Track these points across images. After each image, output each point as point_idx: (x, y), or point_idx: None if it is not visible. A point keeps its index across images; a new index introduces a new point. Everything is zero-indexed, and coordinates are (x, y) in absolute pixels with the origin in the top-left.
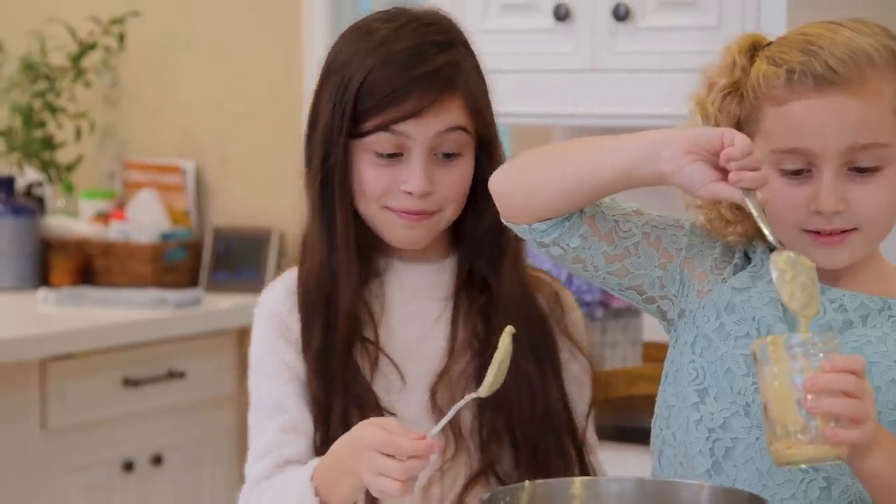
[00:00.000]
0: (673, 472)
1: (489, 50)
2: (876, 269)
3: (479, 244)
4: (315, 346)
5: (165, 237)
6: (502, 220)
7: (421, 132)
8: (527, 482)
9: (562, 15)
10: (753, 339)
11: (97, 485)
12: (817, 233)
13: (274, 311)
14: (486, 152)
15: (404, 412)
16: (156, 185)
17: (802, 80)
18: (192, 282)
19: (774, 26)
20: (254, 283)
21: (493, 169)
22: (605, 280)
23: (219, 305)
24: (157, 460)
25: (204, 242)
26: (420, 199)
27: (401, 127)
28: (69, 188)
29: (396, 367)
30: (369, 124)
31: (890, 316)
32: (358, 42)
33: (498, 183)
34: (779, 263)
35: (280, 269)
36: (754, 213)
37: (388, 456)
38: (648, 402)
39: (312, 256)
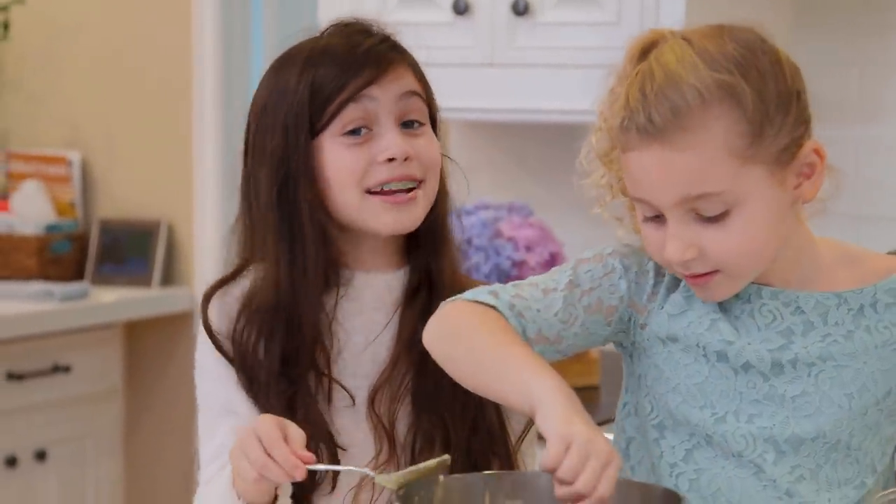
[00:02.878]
0: None
1: None
2: (808, 264)
3: (430, 238)
4: (276, 367)
5: (51, 229)
6: None
7: (384, 95)
8: (441, 476)
9: (461, 9)
10: (703, 365)
11: None
12: None
13: (228, 317)
14: (434, 129)
15: (346, 423)
16: (41, 176)
17: (629, 128)
18: (78, 274)
19: (673, 22)
20: (141, 275)
21: (438, 146)
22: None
23: (105, 298)
24: (41, 455)
25: (90, 234)
26: (402, 164)
27: (365, 92)
28: None
29: (347, 390)
30: (332, 107)
31: (849, 310)
32: (291, 67)
33: (428, 343)
34: None
35: (170, 261)
36: None
37: (262, 448)
38: None
39: (271, 272)
